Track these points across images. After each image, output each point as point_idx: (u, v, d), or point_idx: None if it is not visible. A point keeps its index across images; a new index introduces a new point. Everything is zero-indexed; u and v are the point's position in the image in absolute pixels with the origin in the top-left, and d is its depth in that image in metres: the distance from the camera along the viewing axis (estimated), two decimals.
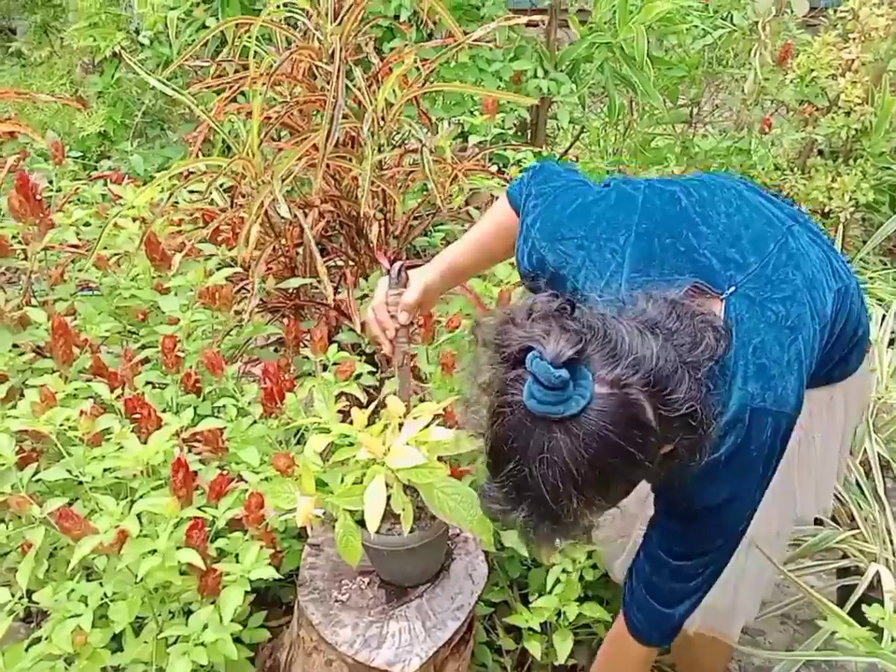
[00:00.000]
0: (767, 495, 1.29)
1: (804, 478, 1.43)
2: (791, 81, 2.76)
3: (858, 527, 1.85)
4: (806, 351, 1.16)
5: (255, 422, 1.54)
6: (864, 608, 1.38)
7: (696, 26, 2.96)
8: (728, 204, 1.23)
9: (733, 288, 1.15)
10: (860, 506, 1.87)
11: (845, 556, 1.86)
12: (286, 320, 1.87)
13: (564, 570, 1.58)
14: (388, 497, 1.24)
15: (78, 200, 2.11)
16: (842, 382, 1.38)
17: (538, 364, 0.93)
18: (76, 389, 1.53)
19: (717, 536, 1.22)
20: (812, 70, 2.68)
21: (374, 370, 1.71)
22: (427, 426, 1.26)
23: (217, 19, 2.76)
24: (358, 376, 1.60)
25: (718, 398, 1.05)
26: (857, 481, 1.91)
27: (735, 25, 3.00)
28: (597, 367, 0.95)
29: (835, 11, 2.79)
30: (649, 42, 2.67)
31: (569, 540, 1.04)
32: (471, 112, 2.50)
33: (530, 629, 1.60)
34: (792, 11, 2.91)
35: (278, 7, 1.86)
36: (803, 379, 1.15)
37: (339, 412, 1.48)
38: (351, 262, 1.94)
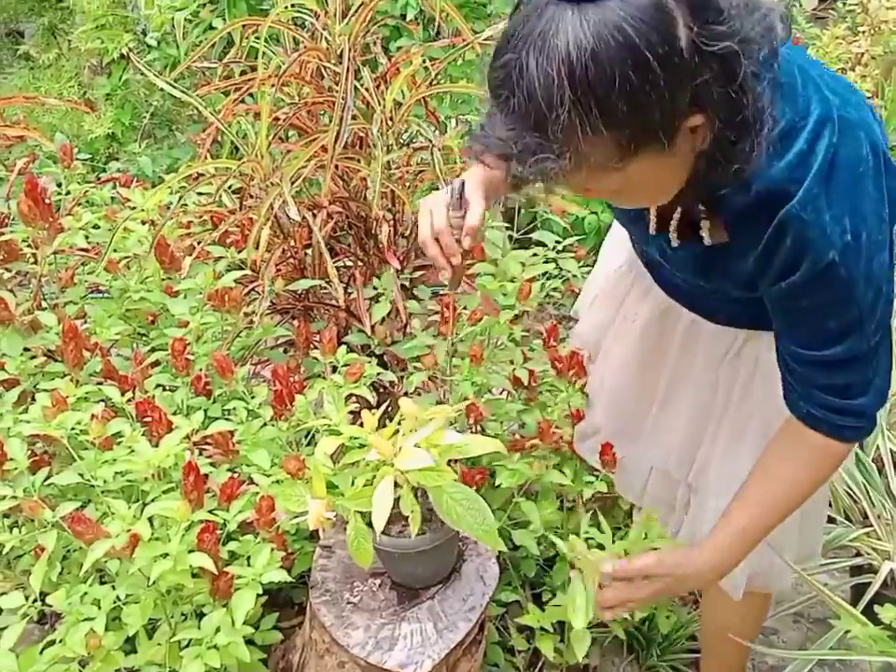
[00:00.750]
0: None
1: None
2: None
3: (871, 525, 1.84)
4: (876, 116, 1.04)
5: (265, 424, 1.54)
6: (877, 608, 1.37)
7: None
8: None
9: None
10: (873, 503, 1.86)
11: (858, 554, 1.85)
12: (295, 322, 1.87)
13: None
14: (398, 500, 1.23)
15: (87, 202, 2.11)
16: None
17: None
18: (86, 393, 1.54)
19: (863, 286, 1.03)
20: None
21: (384, 370, 1.71)
22: (440, 428, 1.26)
23: (224, 20, 2.77)
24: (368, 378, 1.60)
25: (781, 92, 0.93)
26: (869, 478, 1.90)
27: None
28: None
29: (844, 4, 2.77)
30: None
31: (553, 174, 0.89)
32: (478, 111, 2.49)
33: (542, 629, 1.60)
34: (801, 5, 2.89)
35: (286, 7, 1.86)
36: (884, 134, 1.04)
37: (349, 413, 1.48)
38: (360, 263, 1.93)
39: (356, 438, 1.37)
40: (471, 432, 1.62)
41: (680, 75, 0.84)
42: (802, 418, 1.16)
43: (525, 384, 1.71)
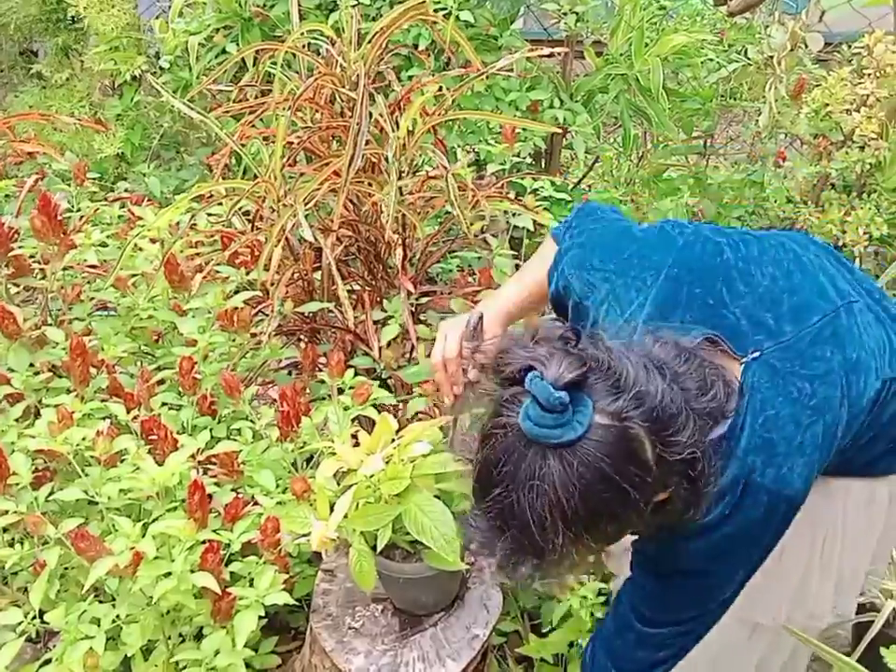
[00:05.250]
0: (777, 582, 1.25)
1: (823, 576, 1.35)
2: (806, 115, 2.77)
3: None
4: (827, 437, 1.07)
5: (270, 445, 1.53)
6: (882, 650, 1.35)
7: (711, 59, 2.98)
8: (778, 266, 1.16)
9: (757, 353, 1.08)
10: None
11: (861, 593, 1.84)
12: (302, 344, 1.87)
13: (581, 601, 1.56)
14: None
15: (97, 221, 2.12)
16: (887, 478, 1.28)
17: (537, 384, 0.90)
18: (92, 410, 1.53)
19: (691, 605, 1.15)
20: (827, 104, 2.69)
21: (389, 393, 1.71)
22: (410, 441, 1.25)
23: (238, 45, 2.79)
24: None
25: (720, 455, 1.01)
26: None
27: (749, 59, 3.02)
28: (599, 397, 0.92)
29: (850, 47, 2.81)
30: (664, 74, 2.69)
31: (549, 580, 1.01)
32: (486, 141, 2.52)
33: (542, 660, 1.59)
34: (807, 46, 2.93)
35: (302, 33, 1.88)
36: (814, 466, 1.08)
37: (352, 435, 1.48)
38: (368, 287, 1.94)
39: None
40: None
41: (653, 486, 0.95)
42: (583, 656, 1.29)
43: None
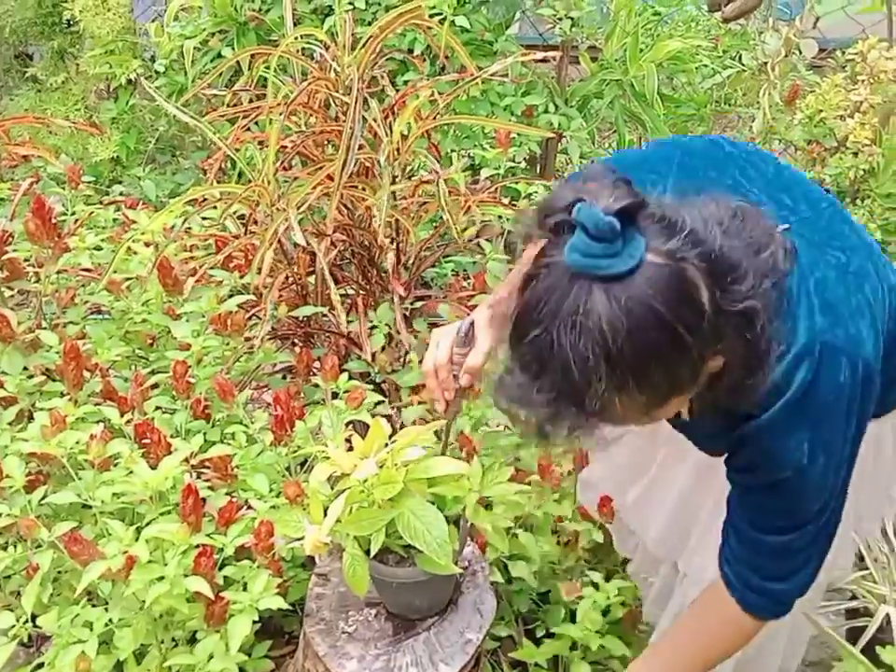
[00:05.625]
0: None
1: None
2: (800, 121, 2.78)
3: (867, 568, 1.83)
4: (877, 305, 1.05)
5: (264, 449, 1.53)
6: (878, 649, 1.36)
7: (706, 65, 3.00)
8: (773, 161, 1.17)
9: (787, 226, 1.03)
10: (869, 546, 1.85)
11: (854, 597, 1.84)
12: (296, 348, 1.87)
13: (594, 601, 1.54)
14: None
15: (91, 224, 2.12)
16: (891, 413, 1.27)
17: (585, 211, 0.82)
18: (85, 413, 1.53)
19: (811, 500, 1.08)
20: (820, 110, 2.70)
21: (383, 399, 1.71)
22: (404, 446, 1.25)
23: (233, 49, 2.80)
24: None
25: (780, 318, 0.96)
26: None
27: (743, 65, 3.04)
28: (652, 237, 0.85)
29: (844, 53, 2.82)
30: (658, 80, 2.71)
31: (589, 439, 0.93)
32: (481, 146, 2.52)
33: (537, 664, 1.58)
34: (801, 53, 2.94)
35: (296, 38, 1.89)
36: (878, 333, 1.04)
37: (346, 440, 1.48)
38: (362, 291, 1.94)
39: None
40: None
41: (708, 336, 0.87)
42: (725, 581, 1.19)
43: None
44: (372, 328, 1.80)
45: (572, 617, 1.56)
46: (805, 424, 1.02)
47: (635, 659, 1.31)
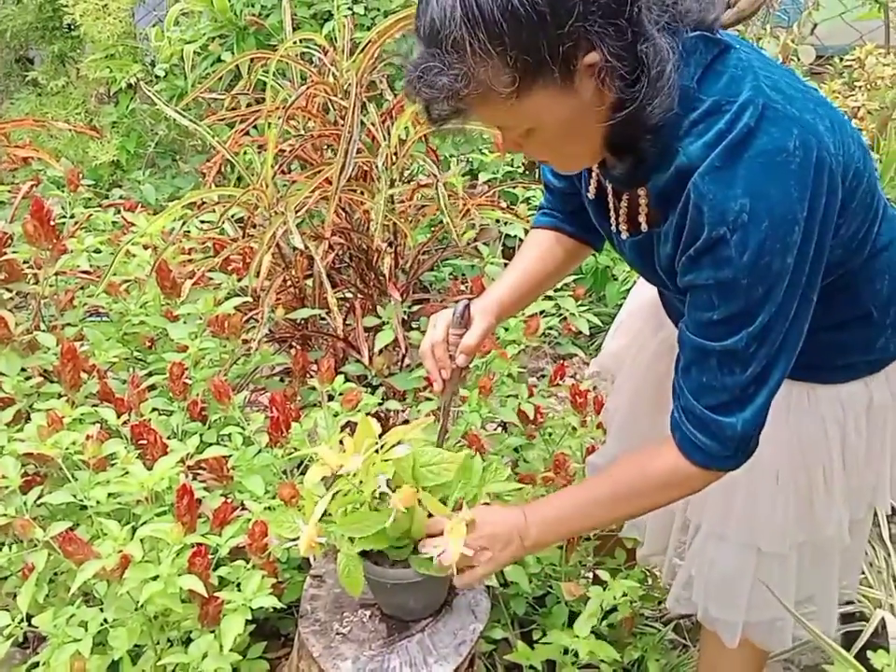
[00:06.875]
0: (776, 509, 1.24)
1: (829, 501, 1.31)
2: None
3: (863, 573, 1.83)
4: (836, 120, 1.02)
5: (260, 451, 1.54)
6: (870, 654, 1.36)
7: None
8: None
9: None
10: (864, 551, 1.86)
11: (849, 602, 1.84)
12: (293, 350, 1.88)
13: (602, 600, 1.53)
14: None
15: (90, 227, 2.13)
16: (882, 372, 1.24)
17: None
18: (82, 414, 1.53)
19: (754, 283, 0.99)
20: None
21: (380, 403, 1.71)
22: (393, 443, 1.25)
23: (233, 53, 2.81)
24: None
25: (700, 68, 0.98)
26: None
27: None
28: None
29: (841, 60, 2.83)
30: None
31: (452, 92, 0.93)
32: (479, 150, 2.53)
33: (532, 667, 1.59)
34: (799, 59, 2.95)
35: (295, 42, 1.90)
36: (836, 139, 1.00)
37: (340, 441, 1.48)
38: (360, 295, 1.95)
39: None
40: None
41: (567, 15, 0.88)
42: (671, 422, 1.15)
43: (532, 418, 1.72)
44: (369, 330, 1.80)
45: (575, 619, 1.57)
46: (747, 174, 0.97)
47: None
